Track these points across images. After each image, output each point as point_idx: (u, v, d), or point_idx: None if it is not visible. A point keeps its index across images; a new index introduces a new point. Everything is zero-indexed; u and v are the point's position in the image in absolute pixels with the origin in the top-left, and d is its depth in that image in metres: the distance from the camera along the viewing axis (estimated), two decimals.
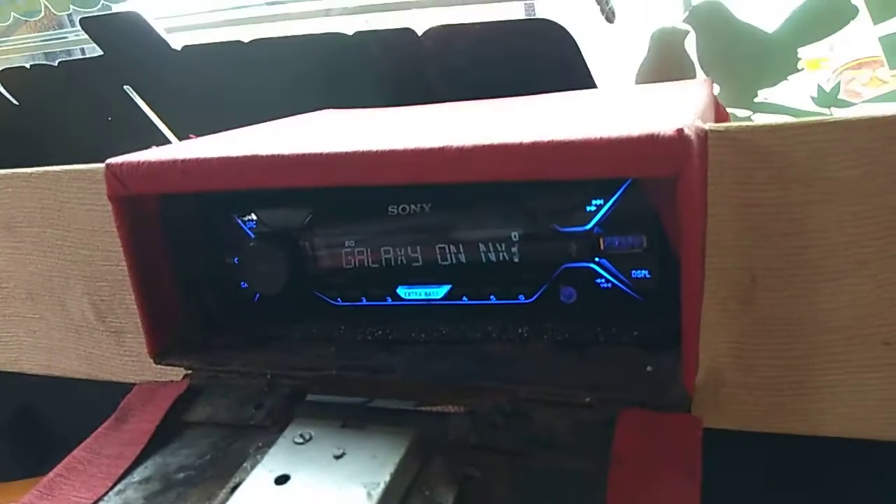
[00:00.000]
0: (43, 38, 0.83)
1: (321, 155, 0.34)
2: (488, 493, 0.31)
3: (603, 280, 0.36)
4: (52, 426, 0.86)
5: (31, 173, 0.46)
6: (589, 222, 0.36)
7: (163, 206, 0.41)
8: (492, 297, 0.39)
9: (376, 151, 0.32)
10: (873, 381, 0.32)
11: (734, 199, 0.31)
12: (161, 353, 0.42)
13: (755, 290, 0.32)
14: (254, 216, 0.42)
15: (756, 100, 0.56)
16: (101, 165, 0.40)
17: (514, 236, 0.37)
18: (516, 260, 0.37)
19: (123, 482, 0.34)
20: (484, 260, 0.38)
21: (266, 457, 0.31)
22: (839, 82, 0.53)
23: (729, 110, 0.58)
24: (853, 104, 0.54)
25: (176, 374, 0.43)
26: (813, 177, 0.30)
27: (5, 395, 0.87)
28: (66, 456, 0.39)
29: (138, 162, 0.38)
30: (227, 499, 0.29)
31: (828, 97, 0.54)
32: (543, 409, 0.34)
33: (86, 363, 0.49)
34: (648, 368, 0.34)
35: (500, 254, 0.38)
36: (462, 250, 0.38)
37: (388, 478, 0.28)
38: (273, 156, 0.35)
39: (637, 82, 0.58)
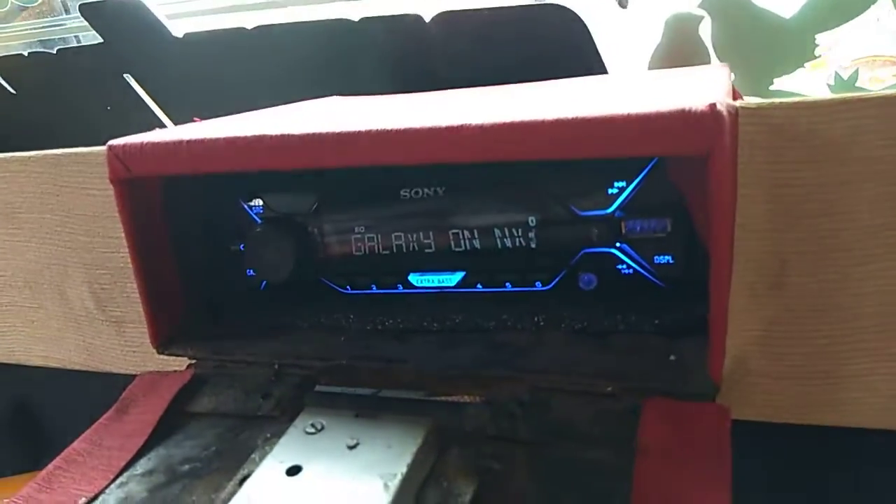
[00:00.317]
0: (42, 25, 0.82)
1: (334, 134, 0.32)
2: (508, 486, 0.29)
3: (624, 266, 0.35)
4: (51, 421, 0.85)
5: (30, 157, 0.45)
6: (611, 206, 0.34)
7: (166, 190, 0.40)
8: (507, 284, 0.37)
9: (392, 130, 0.31)
10: None
11: (765, 179, 0.30)
12: (164, 342, 0.41)
13: (785, 274, 0.31)
14: (260, 201, 0.41)
15: (771, 87, 0.55)
16: (103, 148, 0.38)
17: (532, 221, 0.36)
18: (533, 245, 0.36)
19: (126, 474, 0.33)
20: (499, 246, 0.37)
21: (276, 447, 0.30)
22: (857, 70, 0.52)
23: (745, 98, 0.57)
24: (871, 91, 0.53)
25: (179, 364, 0.42)
26: (848, 156, 0.29)
27: (2, 388, 0.86)
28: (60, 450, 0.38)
29: (142, 143, 0.37)
30: (235, 491, 0.28)
31: (846, 84, 0.53)
32: (563, 399, 0.32)
33: (85, 354, 0.48)
34: (672, 357, 0.33)
35: (517, 239, 0.36)
36: (476, 236, 0.37)
37: (405, 469, 0.27)
38: (283, 135, 0.33)
39: (650, 69, 0.57)
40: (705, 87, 0.34)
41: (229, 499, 0.28)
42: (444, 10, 0.60)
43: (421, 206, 0.37)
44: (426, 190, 0.37)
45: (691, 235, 0.33)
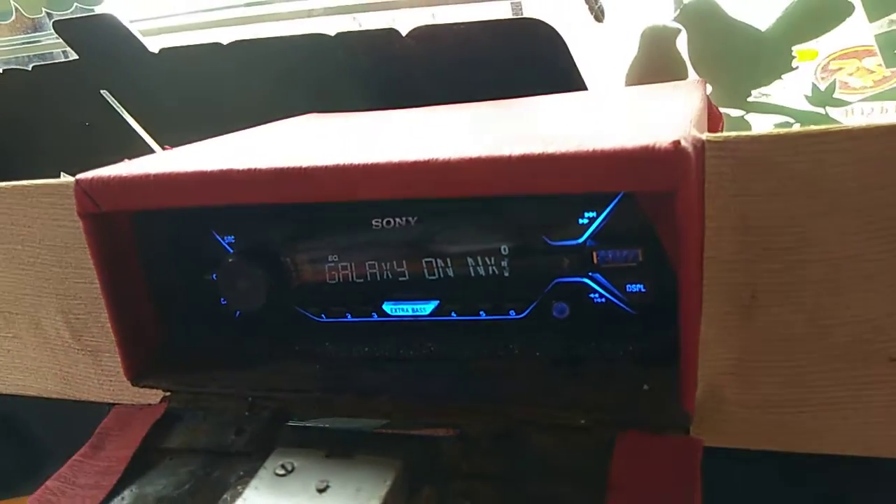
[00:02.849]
0: (19, 42, 0.81)
1: (300, 169, 0.32)
2: None
3: (597, 295, 0.35)
4: (34, 438, 0.84)
5: (0, 188, 0.44)
6: (582, 235, 0.34)
7: (136, 221, 0.39)
8: (481, 312, 0.37)
9: (358, 165, 0.31)
10: (879, 399, 0.31)
11: (733, 212, 0.30)
12: (138, 375, 0.40)
13: (756, 305, 0.31)
14: (232, 231, 0.41)
15: (749, 99, 0.55)
16: (72, 180, 0.38)
17: (504, 250, 0.36)
18: (506, 274, 0.36)
19: None
20: (473, 274, 0.37)
21: (247, 490, 0.30)
22: (834, 80, 0.52)
23: (722, 110, 0.57)
24: (848, 103, 0.53)
25: (155, 395, 0.41)
26: (817, 188, 0.29)
27: None
28: (47, 472, 0.38)
29: (109, 177, 0.36)
30: None
31: (823, 96, 0.53)
32: (537, 432, 0.32)
33: (62, 383, 0.48)
34: (645, 387, 0.33)
35: (490, 268, 0.36)
36: (450, 265, 0.37)
37: None
38: (250, 170, 0.33)
39: (627, 82, 0.57)
40: (675, 114, 0.34)
41: None
42: (421, 24, 0.60)
43: (393, 235, 0.37)
44: (398, 220, 0.37)
45: (663, 264, 0.33)
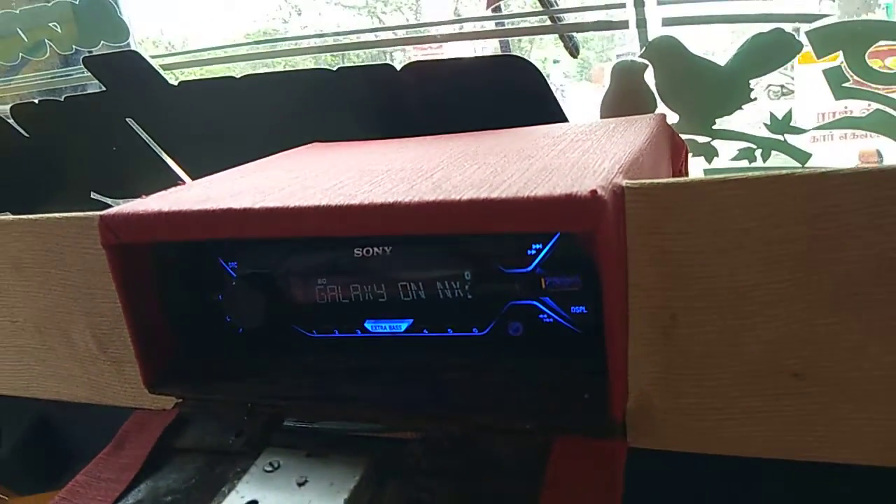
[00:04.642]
0: (51, 76, 0.88)
1: (286, 209, 0.38)
2: None
3: (545, 315, 0.40)
4: (66, 439, 0.91)
5: (36, 219, 0.50)
6: (531, 264, 0.39)
7: (153, 249, 0.45)
8: (449, 330, 0.42)
9: (335, 206, 0.36)
10: (790, 409, 0.35)
11: (651, 247, 0.34)
12: (154, 383, 0.46)
13: (675, 327, 0.36)
14: (235, 258, 0.46)
15: (714, 127, 0.59)
16: (97, 214, 0.44)
17: (467, 276, 0.41)
18: (469, 297, 0.41)
19: None
20: (441, 297, 0.42)
21: (240, 483, 0.35)
22: (791, 109, 0.56)
23: (689, 136, 0.61)
24: (805, 131, 0.57)
25: (169, 400, 0.47)
26: (721, 227, 0.33)
27: (21, 409, 0.93)
28: (77, 468, 0.44)
29: (128, 214, 0.42)
30: None
31: (780, 124, 0.57)
32: (489, 435, 0.37)
33: (90, 389, 0.54)
34: (586, 396, 0.37)
35: (455, 291, 0.41)
36: (421, 288, 0.42)
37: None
38: (245, 210, 0.39)
39: (602, 113, 0.62)
40: (608, 158, 0.39)
41: None
42: (414, 60, 0.65)
43: (373, 262, 0.43)
44: (376, 249, 0.42)
45: (601, 289, 0.38)
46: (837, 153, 0.63)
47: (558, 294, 0.39)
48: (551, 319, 0.40)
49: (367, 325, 0.44)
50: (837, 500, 0.49)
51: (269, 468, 0.36)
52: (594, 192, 0.32)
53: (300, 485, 0.34)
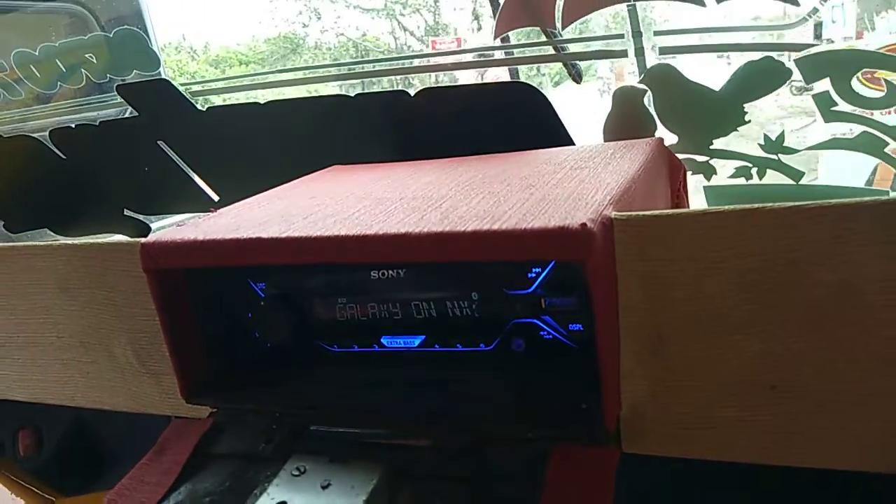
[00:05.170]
0: (86, 103, 0.93)
1: (310, 238, 0.42)
2: None
3: (546, 332, 0.44)
4: (101, 443, 0.97)
5: (81, 244, 0.55)
6: (531, 286, 0.43)
7: (188, 273, 0.50)
8: (458, 345, 0.46)
9: (349, 236, 0.41)
10: (766, 418, 0.39)
11: (638, 272, 0.38)
12: (191, 394, 0.50)
13: (662, 344, 0.39)
14: (263, 280, 0.50)
15: (712, 147, 0.62)
16: (138, 241, 0.48)
17: (474, 296, 0.45)
18: (476, 316, 0.45)
19: None
20: (450, 315, 0.46)
21: (270, 486, 0.39)
22: (783, 131, 0.59)
23: (688, 156, 0.64)
24: (797, 151, 0.60)
25: (204, 409, 0.52)
26: (698, 256, 0.37)
27: (62, 414, 0.98)
28: (111, 470, 0.48)
29: (166, 242, 0.47)
30: None
31: (774, 145, 0.60)
32: (495, 444, 0.41)
33: (131, 400, 0.58)
34: (583, 406, 0.41)
35: (464, 310, 0.45)
36: (432, 307, 0.46)
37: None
38: (273, 238, 0.43)
39: (605, 135, 0.65)
40: (601, 188, 0.42)
41: None
42: (427, 87, 0.69)
43: (388, 284, 0.47)
44: (391, 272, 0.46)
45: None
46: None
47: (557, 313, 0.43)
48: (551, 336, 0.44)
49: (384, 341, 0.48)
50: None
51: (296, 472, 0.40)
52: (584, 224, 0.35)
53: (324, 487, 0.38)
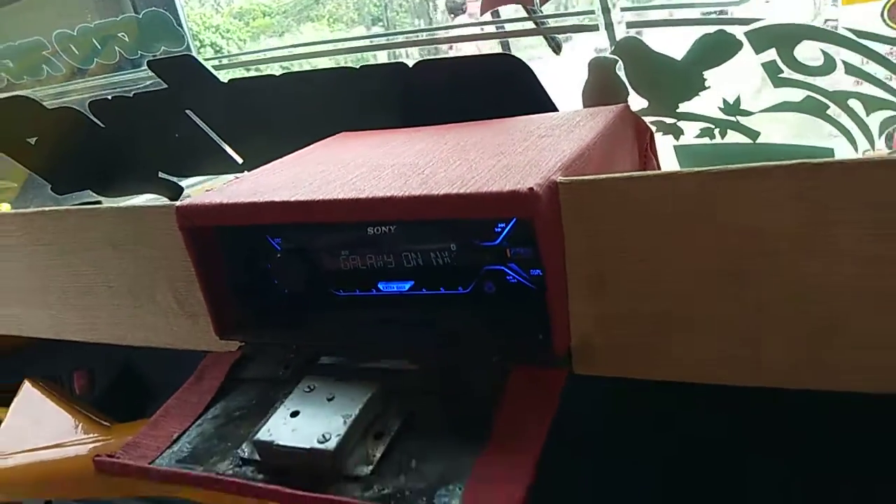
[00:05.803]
0: (118, 77, 1.03)
1: (314, 201, 0.51)
2: (425, 422, 0.48)
3: (511, 277, 0.52)
4: (149, 382, 1.09)
5: (126, 208, 0.65)
6: (498, 239, 0.51)
7: (217, 230, 0.59)
8: (441, 289, 0.55)
9: (346, 199, 0.49)
10: (681, 344, 0.47)
11: (581, 225, 0.46)
12: (223, 332, 0.60)
13: (605, 284, 0.48)
14: (280, 236, 0.60)
15: (678, 110, 0.69)
16: (174, 205, 0.57)
17: (452, 248, 0.53)
18: (455, 263, 0.54)
19: (201, 419, 0.54)
20: (434, 263, 0.55)
21: (287, 400, 0.49)
22: (739, 96, 0.66)
23: (658, 118, 0.72)
24: (751, 113, 0.67)
25: (235, 344, 0.62)
26: (624, 212, 0.45)
27: (111, 357, 1.10)
28: (156, 404, 0.59)
29: (198, 205, 0.56)
30: (263, 425, 0.48)
31: (732, 108, 0.67)
32: (469, 367, 0.50)
33: (172, 338, 0.69)
34: (540, 336, 0.50)
35: (445, 259, 0.54)
36: (419, 257, 0.55)
37: (357, 412, 0.46)
38: (284, 202, 0.52)
39: (584, 101, 0.72)
40: (555, 155, 0.50)
41: (259, 430, 0.47)
42: (422, 59, 0.77)
43: (382, 238, 0.55)
44: (384, 228, 0.55)
45: None
46: None
47: (520, 261, 0.52)
48: (515, 280, 0.52)
49: (380, 286, 0.57)
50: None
51: (307, 389, 0.50)
52: (531, 189, 0.44)
53: (329, 400, 0.48)
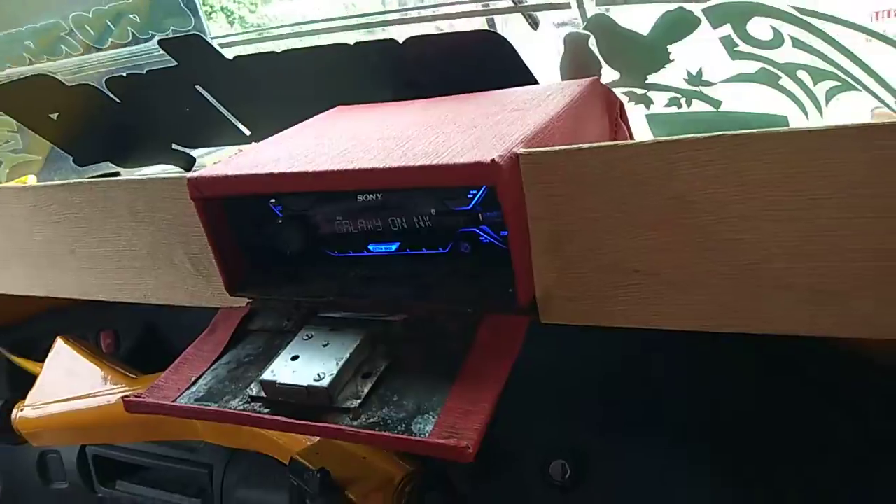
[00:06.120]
0: (131, 54, 1.09)
1: (307, 173, 0.57)
2: (406, 364, 0.55)
3: (483, 238, 0.59)
4: (170, 343, 1.18)
5: (144, 179, 0.72)
6: (471, 204, 0.58)
7: (225, 199, 0.66)
8: (423, 249, 0.62)
9: (335, 171, 0.56)
10: (635, 293, 0.54)
11: (540, 191, 0.53)
12: (233, 289, 0.68)
13: (562, 244, 0.54)
14: (281, 203, 0.67)
15: (648, 81, 0.75)
16: (185, 176, 0.64)
17: (432, 212, 0.60)
18: (434, 227, 0.61)
19: (215, 364, 0.61)
20: (417, 227, 0.61)
21: (287, 346, 0.57)
22: (701, 68, 0.71)
23: (629, 89, 0.77)
24: (712, 83, 0.72)
25: (243, 301, 0.69)
26: (577, 179, 0.51)
27: (136, 317, 1.19)
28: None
29: (207, 177, 0.63)
30: (268, 367, 0.55)
31: (695, 79, 0.72)
32: (446, 317, 0.58)
33: (188, 296, 0.76)
34: (510, 290, 0.57)
35: (425, 223, 0.61)
36: (404, 221, 0.62)
37: (348, 355, 0.54)
38: (282, 173, 0.59)
39: (561, 74, 0.78)
40: (521, 128, 0.56)
41: (265, 372, 0.55)
42: (413, 35, 0.82)
43: (371, 204, 0.62)
44: (371, 196, 0.62)
45: None
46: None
47: (491, 223, 0.58)
48: (487, 241, 0.59)
49: (370, 247, 0.64)
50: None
51: (306, 337, 0.57)
52: (493, 160, 0.50)
53: (324, 346, 0.55)
